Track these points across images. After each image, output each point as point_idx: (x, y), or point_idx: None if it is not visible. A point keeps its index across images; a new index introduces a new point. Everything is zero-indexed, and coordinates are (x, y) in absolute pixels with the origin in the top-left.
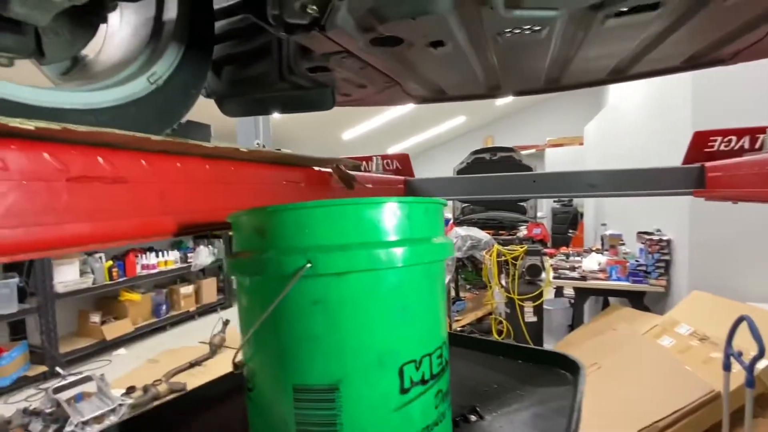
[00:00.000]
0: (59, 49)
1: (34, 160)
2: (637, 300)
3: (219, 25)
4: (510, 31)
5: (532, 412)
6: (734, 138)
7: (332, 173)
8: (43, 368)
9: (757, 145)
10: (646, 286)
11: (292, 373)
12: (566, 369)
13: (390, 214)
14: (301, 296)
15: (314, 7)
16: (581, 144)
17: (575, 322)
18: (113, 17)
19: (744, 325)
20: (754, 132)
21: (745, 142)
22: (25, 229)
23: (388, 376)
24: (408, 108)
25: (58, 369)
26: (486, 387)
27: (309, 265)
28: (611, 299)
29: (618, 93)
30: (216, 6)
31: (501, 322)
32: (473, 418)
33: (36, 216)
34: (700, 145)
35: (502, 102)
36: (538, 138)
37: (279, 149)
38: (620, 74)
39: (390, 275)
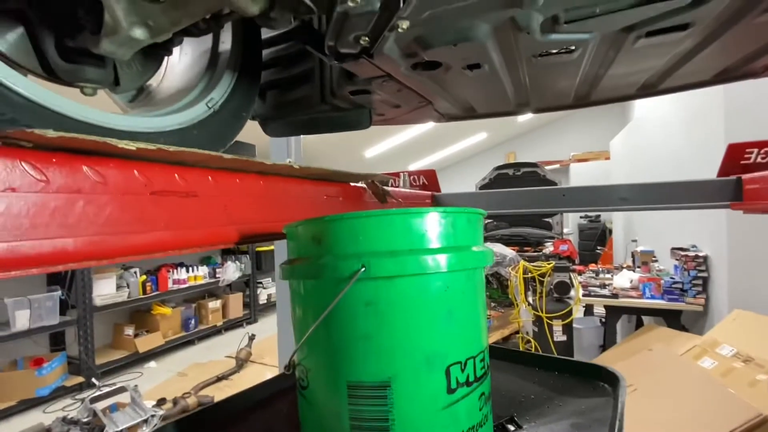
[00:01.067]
0: (132, 79)
1: (126, 176)
2: (673, 319)
3: (265, 53)
4: (544, 53)
5: (571, 422)
6: None
7: (366, 188)
8: (79, 379)
9: None
10: (682, 305)
11: (346, 370)
12: (605, 381)
13: (436, 222)
14: (355, 298)
15: (366, 39)
16: (607, 158)
17: (607, 342)
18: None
19: None
20: None
21: None
22: (120, 237)
23: (436, 376)
24: (430, 125)
25: (93, 380)
26: (523, 397)
27: (363, 269)
28: (645, 318)
29: (645, 106)
30: (264, 36)
31: (529, 341)
32: (511, 427)
33: (128, 225)
34: (736, 157)
35: (524, 118)
36: (561, 153)
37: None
38: (650, 89)
39: (436, 279)
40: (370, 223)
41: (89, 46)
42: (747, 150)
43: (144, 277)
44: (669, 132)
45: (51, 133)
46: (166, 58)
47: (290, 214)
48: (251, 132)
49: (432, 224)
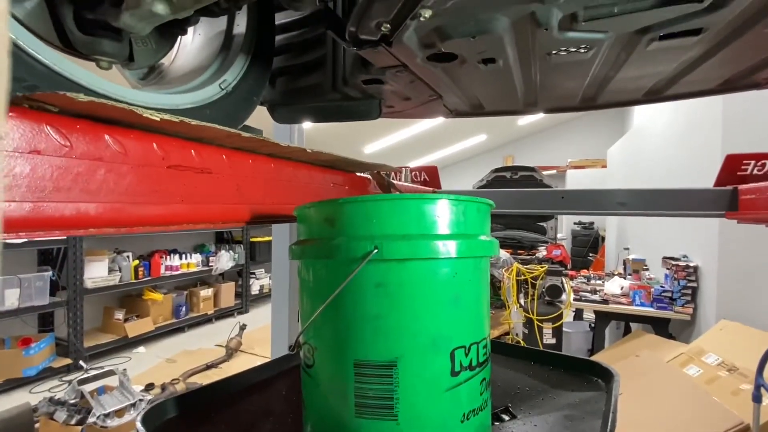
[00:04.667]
0: (146, 56)
1: (146, 148)
2: (661, 327)
3: (278, 39)
4: (558, 51)
5: (564, 414)
6: None
7: (371, 179)
8: (67, 361)
9: None
10: (671, 313)
11: (354, 349)
12: (598, 376)
13: (447, 209)
14: (366, 279)
15: (388, 26)
16: (604, 167)
17: (595, 347)
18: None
19: None
20: None
21: None
22: (138, 206)
23: (441, 358)
24: (430, 124)
25: (81, 362)
26: (518, 389)
27: (375, 250)
28: (633, 325)
29: (644, 116)
30: (277, 22)
31: (518, 342)
32: (506, 417)
33: (146, 196)
34: (733, 168)
35: (523, 121)
36: (559, 159)
37: None
38: (655, 95)
39: (445, 265)
40: (383, 206)
41: (109, 18)
42: (744, 161)
43: (137, 261)
44: (667, 142)
45: (82, 98)
46: (180, 37)
47: (298, 198)
48: (256, 117)
49: (443, 211)
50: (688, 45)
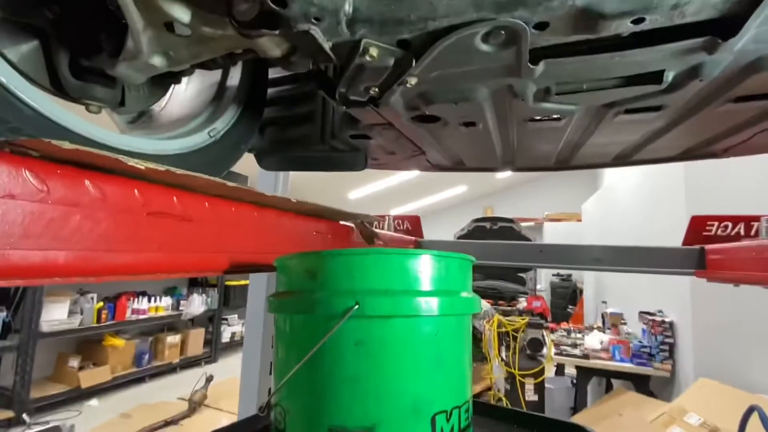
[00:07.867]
0: (137, 102)
1: (126, 194)
2: (641, 384)
3: (270, 91)
4: (534, 119)
5: None
6: (730, 224)
7: (354, 228)
8: (9, 413)
9: (753, 232)
10: (650, 370)
11: (329, 414)
12: None
13: (430, 265)
14: (346, 336)
15: (376, 90)
16: (578, 220)
17: (578, 405)
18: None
19: (755, 416)
20: (748, 219)
21: (741, 228)
22: (113, 254)
23: (421, 424)
24: (414, 174)
25: (24, 416)
26: None
27: (357, 306)
28: (615, 382)
29: (614, 175)
30: (270, 76)
31: (500, 399)
32: None
33: (121, 243)
34: (698, 228)
35: (502, 175)
36: (536, 211)
37: None
38: (623, 159)
39: (428, 323)
40: (366, 260)
41: (105, 67)
42: (708, 222)
43: (101, 303)
44: (635, 200)
45: (66, 146)
46: (173, 85)
47: (281, 246)
48: (241, 162)
49: (426, 266)
50: (650, 119)
